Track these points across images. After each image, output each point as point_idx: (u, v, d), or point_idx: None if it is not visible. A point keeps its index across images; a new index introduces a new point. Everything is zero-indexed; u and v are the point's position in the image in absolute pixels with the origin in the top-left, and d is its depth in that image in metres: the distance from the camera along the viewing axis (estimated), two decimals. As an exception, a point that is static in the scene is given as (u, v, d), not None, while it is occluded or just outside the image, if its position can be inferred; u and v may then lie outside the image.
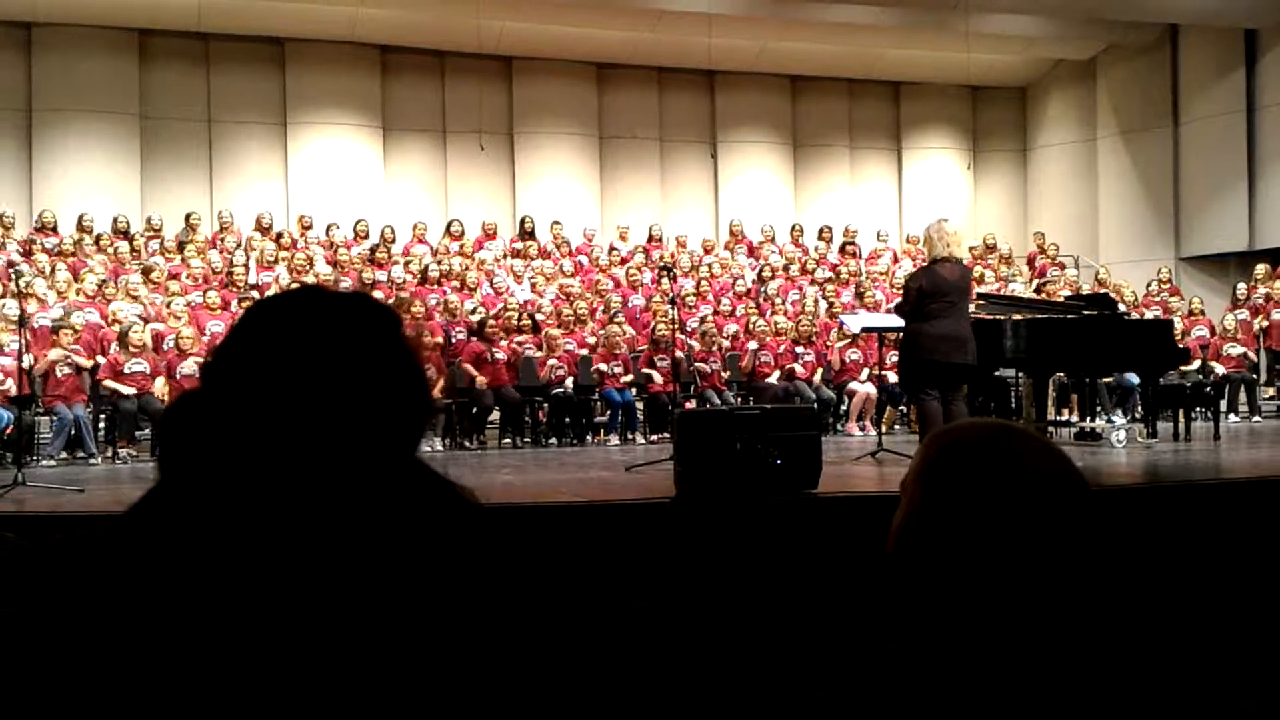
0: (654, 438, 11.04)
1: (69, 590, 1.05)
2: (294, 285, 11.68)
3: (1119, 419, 11.35)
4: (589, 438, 11.24)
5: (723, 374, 11.67)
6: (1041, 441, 1.39)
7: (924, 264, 7.82)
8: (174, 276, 11.91)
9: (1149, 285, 14.33)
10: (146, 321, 10.54)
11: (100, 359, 10.02)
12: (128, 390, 9.73)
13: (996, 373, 9.95)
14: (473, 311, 11.91)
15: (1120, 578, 1.31)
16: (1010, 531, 1.29)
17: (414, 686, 1.04)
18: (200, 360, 10.15)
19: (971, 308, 7.93)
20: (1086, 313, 9.35)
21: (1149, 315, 12.87)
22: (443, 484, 1.17)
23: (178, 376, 9.94)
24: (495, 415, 11.14)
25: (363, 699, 1.03)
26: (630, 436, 11.19)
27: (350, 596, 1.06)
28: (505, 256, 14.11)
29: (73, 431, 9.52)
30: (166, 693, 1.00)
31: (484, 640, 1.08)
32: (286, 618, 1.04)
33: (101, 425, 10.04)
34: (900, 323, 8.43)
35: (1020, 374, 10.10)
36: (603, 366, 11.24)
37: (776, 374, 11.71)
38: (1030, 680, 1.22)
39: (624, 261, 14.17)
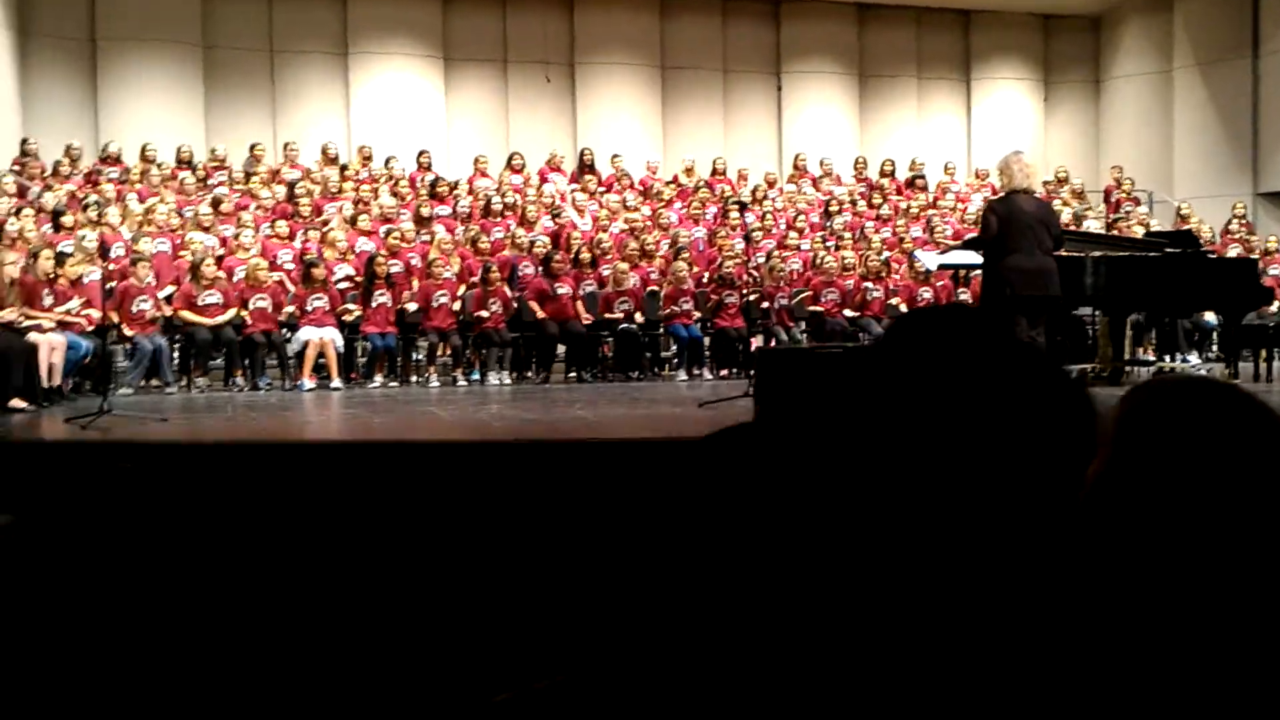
0: (722, 373, 10.98)
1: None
2: (358, 216, 11.68)
3: (1194, 359, 11.15)
4: (655, 372, 11.22)
5: (789, 310, 11.54)
6: (1250, 397, 1.34)
7: (1000, 195, 7.71)
8: (241, 208, 11.92)
9: (1228, 223, 13.96)
10: (222, 256, 10.60)
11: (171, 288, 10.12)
12: (208, 321, 9.84)
13: (1075, 311, 9.78)
14: (531, 246, 11.74)
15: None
16: (1213, 488, 1.25)
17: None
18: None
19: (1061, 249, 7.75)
20: (1169, 250, 9.13)
21: (1229, 254, 12.56)
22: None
23: (251, 308, 10.00)
24: (561, 349, 11.12)
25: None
26: (697, 372, 11.12)
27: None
28: (570, 191, 13.95)
29: (147, 361, 9.62)
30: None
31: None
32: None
33: (175, 355, 10.14)
34: (977, 259, 8.30)
35: (1096, 312, 9.92)
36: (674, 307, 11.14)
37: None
38: (1217, 642, 1.17)
39: (685, 195, 13.97)
